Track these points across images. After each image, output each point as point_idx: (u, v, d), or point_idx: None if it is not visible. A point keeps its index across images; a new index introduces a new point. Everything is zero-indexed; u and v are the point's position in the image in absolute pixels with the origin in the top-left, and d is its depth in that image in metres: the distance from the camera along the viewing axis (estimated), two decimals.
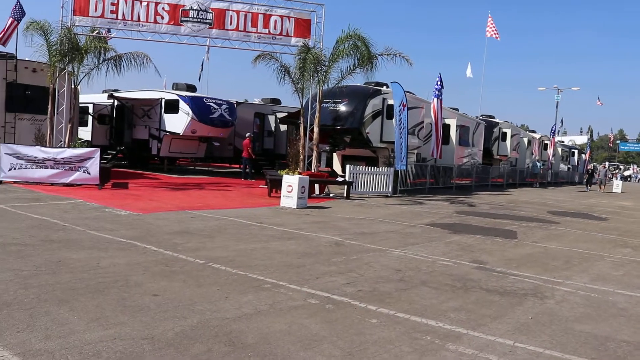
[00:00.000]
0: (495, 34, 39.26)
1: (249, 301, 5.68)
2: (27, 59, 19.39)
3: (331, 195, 18.53)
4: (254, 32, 19.28)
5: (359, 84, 21.94)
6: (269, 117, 28.02)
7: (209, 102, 23.79)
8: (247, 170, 23.67)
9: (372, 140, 22.11)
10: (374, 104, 21.99)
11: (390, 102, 21.82)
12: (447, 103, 27.65)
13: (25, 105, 19.41)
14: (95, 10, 18.27)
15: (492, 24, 39.27)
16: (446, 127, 26.43)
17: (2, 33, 19.17)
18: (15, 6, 19.05)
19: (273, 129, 28.10)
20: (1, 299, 5.20)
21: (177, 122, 23.35)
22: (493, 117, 37.01)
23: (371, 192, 19.92)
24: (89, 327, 4.62)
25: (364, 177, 19.76)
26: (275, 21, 19.30)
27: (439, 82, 23.58)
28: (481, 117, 35.01)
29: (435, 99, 23.55)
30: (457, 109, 30.27)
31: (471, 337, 5.04)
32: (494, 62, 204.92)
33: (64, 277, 6.13)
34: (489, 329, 5.33)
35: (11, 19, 19.25)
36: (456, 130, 27.61)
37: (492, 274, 7.82)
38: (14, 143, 16.95)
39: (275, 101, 29.12)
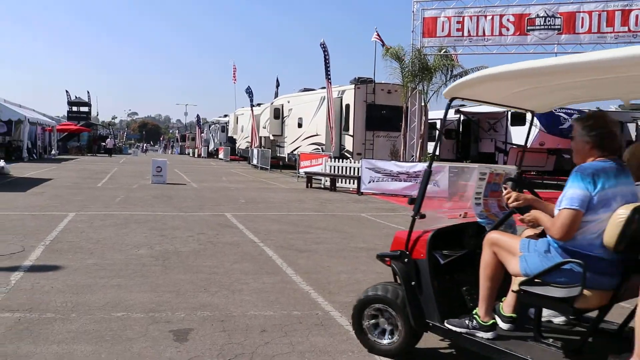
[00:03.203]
0: None
1: None
2: (382, 81, 21.39)
3: None
4: (610, 32, 17.51)
5: None
6: (629, 125, 25.03)
7: (559, 112, 22.46)
8: None
9: None
10: None
11: None
12: None
13: (381, 124, 21.34)
14: (442, 30, 19.08)
15: None
16: None
17: None
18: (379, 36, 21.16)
19: (634, 138, 25.02)
20: None
21: (524, 135, 22.68)
22: None
23: None
24: None
25: None
26: (637, 16, 17.19)
27: None
28: None
29: None
30: None
31: None
32: None
33: None
34: None
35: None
36: None
37: None
38: (372, 158, 18.79)
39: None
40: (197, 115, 64.13)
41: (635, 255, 3.24)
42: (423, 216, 4.10)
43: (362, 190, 17.14)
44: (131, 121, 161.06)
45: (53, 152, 42.71)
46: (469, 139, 26.52)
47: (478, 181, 4.18)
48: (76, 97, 66.21)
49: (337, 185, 18.65)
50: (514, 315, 3.68)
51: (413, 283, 3.95)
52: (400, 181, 16.67)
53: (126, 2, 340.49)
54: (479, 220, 4.10)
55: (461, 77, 16.08)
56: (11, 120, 31.20)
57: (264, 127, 30.95)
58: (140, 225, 9.69)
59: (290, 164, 27.44)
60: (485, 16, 18.64)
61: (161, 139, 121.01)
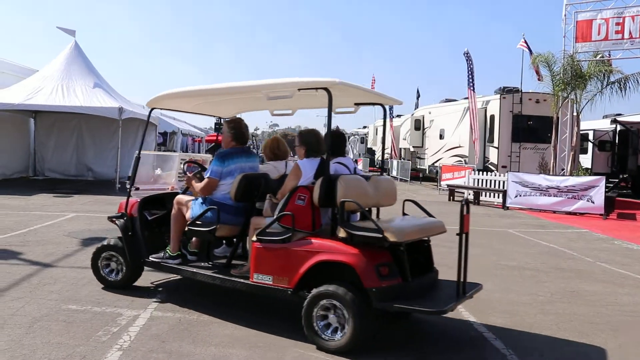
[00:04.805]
0: None
1: None
2: (530, 90, 20.36)
3: None
4: None
5: None
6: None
7: None
8: None
9: None
10: None
11: None
12: None
13: (528, 135, 20.31)
14: (599, 34, 17.75)
15: None
16: None
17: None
18: (526, 43, 20.21)
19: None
20: (522, 321, 5.39)
21: None
22: None
23: None
24: None
25: None
26: None
27: None
28: None
29: None
30: None
31: None
32: None
33: (581, 309, 5.95)
34: None
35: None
36: None
37: None
38: (519, 171, 17.93)
39: None
40: (337, 126, 65.31)
41: (253, 204, 5.41)
42: (137, 188, 6.06)
43: (507, 205, 16.41)
44: (272, 132, 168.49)
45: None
46: (626, 151, 24.41)
47: (179, 165, 6.60)
48: None
49: (481, 198, 18.04)
50: (196, 250, 5.65)
51: (130, 233, 5.74)
52: (550, 196, 15.73)
53: (298, 13, 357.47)
54: (180, 191, 6.18)
55: (619, 83, 14.72)
56: (166, 131, 33.93)
57: (404, 139, 30.84)
58: None
59: (430, 176, 27.03)
60: None
61: None
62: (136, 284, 5.95)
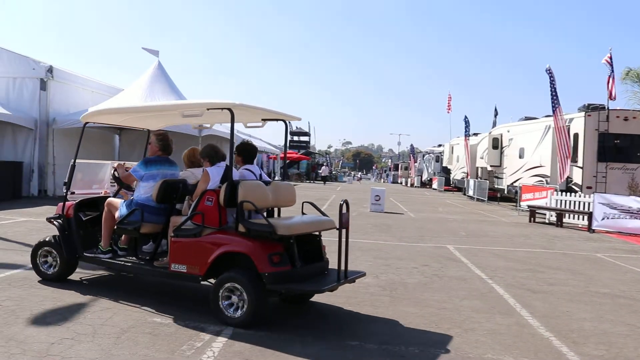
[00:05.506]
0: None
1: None
2: (618, 108, 19.37)
3: None
4: None
5: None
6: None
7: None
8: None
9: None
10: None
11: None
12: None
13: (616, 155, 19.30)
14: None
15: None
16: None
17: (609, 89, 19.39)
18: (610, 59, 19.31)
19: None
20: (622, 354, 5.03)
21: None
22: None
23: None
24: None
25: None
26: None
27: None
28: None
29: None
30: None
31: None
32: None
33: None
34: None
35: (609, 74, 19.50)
36: None
37: None
38: (605, 192, 17.03)
39: None
40: (411, 144, 64.85)
41: (173, 205, 6.14)
42: (73, 192, 6.92)
43: (594, 228, 15.58)
44: (345, 150, 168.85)
45: (277, 178, 46.40)
46: None
47: (111, 171, 7.22)
48: (297, 127, 71.55)
49: (564, 220, 17.24)
50: (126, 246, 6.44)
51: (66, 232, 6.53)
52: None
53: (346, 35, 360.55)
54: (111, 194, 6.99)
55: None
56: None
57: (481, 158, 30.05)
58: (365, 253, 9.91)
59: (508, 196, 26.16)
60: None
61: (374, 167, 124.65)
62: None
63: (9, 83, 18.53)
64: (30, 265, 6.82)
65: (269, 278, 5.09)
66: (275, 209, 6.38)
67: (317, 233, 5.83)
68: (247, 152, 6.24)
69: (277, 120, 6.67)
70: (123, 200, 6.33)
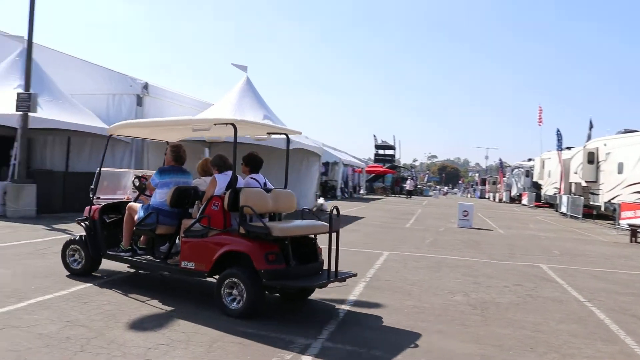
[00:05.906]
0: None
1: None
2: None
3: None
4: None
5: None
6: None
7: None
8: None
9: None
10: None
11: None
12: None
13: None
14: None
15: None
16: None
17: None
18: None
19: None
20: None
21: None
22: None
23: None
24: None
25: None
26: None
27: None
28: None
29: None
30: None
31: None
32: None
33: None
34: None
35: None
36: None
37: None
38: None
39: None
40: (500, 159, 63.00)
41: (185, 209, 6.83)
42: (99, 197, 7.68)
43: None
44: (431, 164, 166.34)
45: (362, 191, 46.38)
46: None
47: (134, 179, 7.89)
48: (382, 140, 71.25)
49: None
50: (144, 246, 7.19)
51: (92, 233, 7.32)
52: None
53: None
54: (132, 199, 7.75)
55: None
56: (328, 161, 34.89)
57: (575, 173, 28.64)
58: (453, 269, 9.67)
59: (605, 214, 24.74)
60: None
61: (460, 181, 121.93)
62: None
63: (109, 99, 19.72)
64: (129, 270, 7.37)
65: (265, 274, 5.67)
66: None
67: (312, 236, 6.43)
68: (254, 162, 6.85)
69: (280, 134, 7.67)
70: (142, 205, 7.08)
